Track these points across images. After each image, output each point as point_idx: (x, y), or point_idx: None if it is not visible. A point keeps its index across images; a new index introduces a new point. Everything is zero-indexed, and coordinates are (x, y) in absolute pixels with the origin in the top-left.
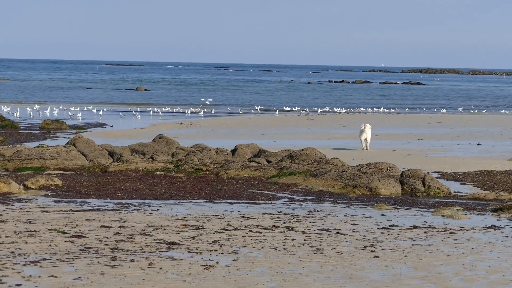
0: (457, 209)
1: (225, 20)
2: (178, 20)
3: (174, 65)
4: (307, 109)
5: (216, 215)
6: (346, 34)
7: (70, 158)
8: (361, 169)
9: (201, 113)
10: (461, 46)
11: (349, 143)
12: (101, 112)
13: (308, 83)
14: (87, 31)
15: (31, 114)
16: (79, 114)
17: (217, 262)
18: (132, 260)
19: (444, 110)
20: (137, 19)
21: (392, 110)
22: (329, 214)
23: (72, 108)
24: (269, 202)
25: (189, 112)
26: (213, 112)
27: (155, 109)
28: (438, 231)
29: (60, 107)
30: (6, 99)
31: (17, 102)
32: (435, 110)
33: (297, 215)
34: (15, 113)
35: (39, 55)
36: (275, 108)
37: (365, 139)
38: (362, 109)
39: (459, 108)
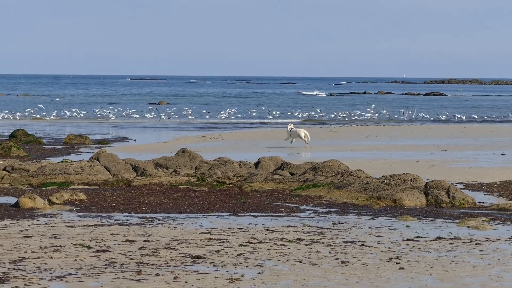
0: (482, 220)
1: (247, 32)
2: (199, 34)
3: (196, 79)
4: (307, 112)
5: (240, 228)
6: (368, 46)
7: (94, 173)
8: (385, 180)
9: (224, 126)
10: (483, 55)
11: (372, 154)
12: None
13: (330, 95)
14: (108, 46)
15: (55, 129)
16: (103, 129)
17: (242, 276)
18: (157, 274)
19: (469, 118)
20: (158, 33)
21: (415, 121)
22: (353, 226)
23: (96, 123)
24: (293, 214)
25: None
26: (236, 124)
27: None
28: (464, 242)
29: (83, 122)
30: (29, 115)
31: (40, 118)
32: (456, 118)
33: (322, 228)
34: (39, 129)
35: (60, 71)
36: (303, 119)
37: (305, 135)
38: (384, 120)
39: (485, 117)
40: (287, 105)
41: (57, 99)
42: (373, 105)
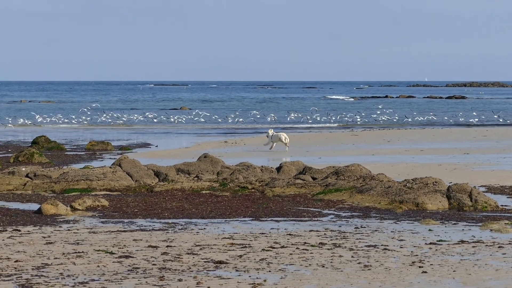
0: (505, 223)
1: (267, 37)
2: (220, 38)
3: (217, 84)
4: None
5: (262, 233)
6: (389, 49)
7: (116, 179)
8: (407, 184)
9: (245, 131)
10: (505, 58)
11: (394, 158)
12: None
13: (353, 98)
14: (128, 51)
15: (77, 135)
16: (125, 135)
17: (264, 280)
18: (180, 280)
19: (491, 121)
20: (178, 38)
21: (437, 125)
22: (376, 230)
23: (117, 129)
24: (316, 219)
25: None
26: (258, 129)
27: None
28: (487, 245)
29: (105, 128)
30: (50, 122)
31: (61, 124)
32: (476, 121)
33: (344, 232)
34: (60, 135)
35: (79, 77)
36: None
37: (285, 138)
38: (406, 123)
39: (508, 121)
40: (319, 110)
41: (93, 105)
42: (380, 106)
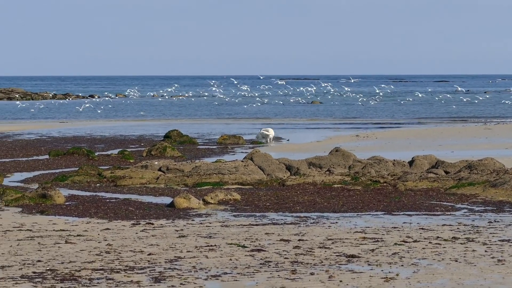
0: None
1: (396, 30)
2: (350, 32)
3: (347, 78)
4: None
5: (395, 227)
6: None
7: (247, 173)
8: None
9: (377, 125)
10: None
11: None
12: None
13: (485, 92)
14: (264, 45)
15: (208, 129)
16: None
17: (397, 275)
18: (312, 273)
19: None
20: (309, 32)
21: None
22: (510, 225)
23: (249, 123)
24: (448, 213)
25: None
26: (389, 123)
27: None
28: None
29: (236, 122)
30: (183, 116)
31: (194, 119)
32: None
33: (477, 226)
34: (193, 129)
35: (208, 71)
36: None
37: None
38: None
39: None
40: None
41: (226, 99)
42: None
